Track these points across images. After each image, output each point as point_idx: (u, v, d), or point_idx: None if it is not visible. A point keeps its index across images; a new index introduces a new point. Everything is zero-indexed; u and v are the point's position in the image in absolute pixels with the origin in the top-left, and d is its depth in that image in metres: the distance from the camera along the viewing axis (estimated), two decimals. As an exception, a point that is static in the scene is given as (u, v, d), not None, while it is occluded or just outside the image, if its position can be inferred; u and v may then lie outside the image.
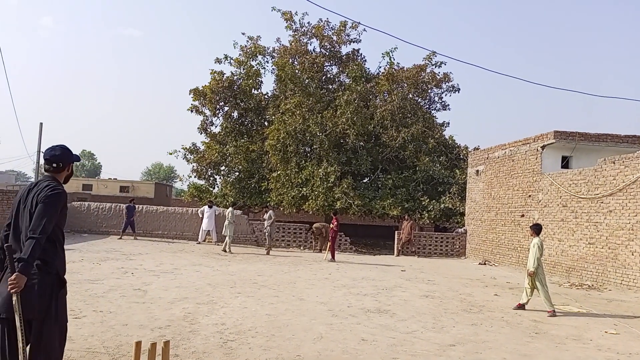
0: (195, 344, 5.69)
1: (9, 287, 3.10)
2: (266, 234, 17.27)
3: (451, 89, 26.21)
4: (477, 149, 21.75)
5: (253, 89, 26.11)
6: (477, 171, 19.39)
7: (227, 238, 16.79)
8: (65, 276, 3.49)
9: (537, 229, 9.20)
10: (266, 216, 17.51)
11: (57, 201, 3.32)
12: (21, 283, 3.11)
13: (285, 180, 22.38)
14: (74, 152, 3.63)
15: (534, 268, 8.80)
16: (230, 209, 17.50)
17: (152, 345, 2.95)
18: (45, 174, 3.56)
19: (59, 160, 3.52)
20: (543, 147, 15.27)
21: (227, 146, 24.93)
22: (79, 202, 21.13)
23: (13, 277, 3.10)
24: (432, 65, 25.53)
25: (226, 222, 16.93)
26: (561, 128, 15.04)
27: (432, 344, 6.28)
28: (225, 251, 16.42)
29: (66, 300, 3.51)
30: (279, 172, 22.63)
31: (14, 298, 3.12)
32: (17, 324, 3.10)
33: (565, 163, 15.56)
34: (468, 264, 17.47)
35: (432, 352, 5.94)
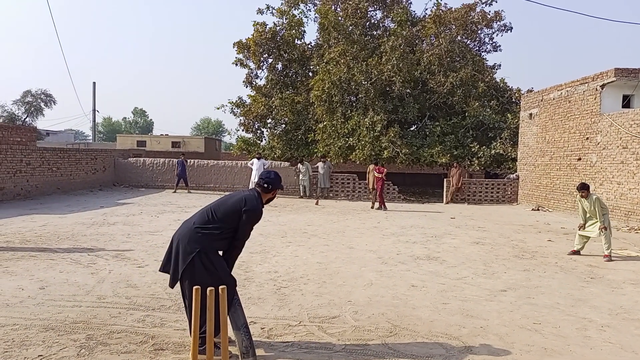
0: (251, 291, 5.95)
1: None
2: (311, 184, 18.99)
3: (503, 28, 24.79)
4: (531, 91, 20.78)
5: (296, 39, 25.70)
6: (531, 114, 18.64)
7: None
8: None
9: (587, 187, 8.72)
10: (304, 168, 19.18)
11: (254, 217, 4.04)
12: None
13: (332, 130, 22.30)
14: (278, 181, 4.24)
15: (606, 224, 8.48)
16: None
17: (210, 291, 3.12)
18: (256, 188, 4.23)
19: (270, 183, 4.18)
20: (602, 86, 14.42)
21: (273, 98, 24.94)
22: (135, 158, 21.97)
23: None
24: (482, 3, 24.16)
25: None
26: (623, 65, 14.12)
27: (483, 290, 6.30)
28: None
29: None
30: (325, 123, 22.54)
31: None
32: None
33: (627, 102, 14.68)
34: (520, 210, 17.12)
35: (482, 297, 5.97)
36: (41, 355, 3.89)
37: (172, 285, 4.02)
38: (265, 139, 27.08)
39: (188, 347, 4.06)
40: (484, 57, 25.09)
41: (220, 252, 4.05)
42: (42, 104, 51.10)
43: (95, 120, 49.30)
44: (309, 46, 26.54)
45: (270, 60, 26.09)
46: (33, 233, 9.34)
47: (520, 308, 5.56)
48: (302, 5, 26.31)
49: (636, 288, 6.62)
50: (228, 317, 3.64)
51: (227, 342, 3.28)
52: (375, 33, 25.52)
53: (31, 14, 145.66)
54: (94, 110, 47.42)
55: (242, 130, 27.26)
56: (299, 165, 19.49)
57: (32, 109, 50.49)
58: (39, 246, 8.13)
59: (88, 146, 40.65)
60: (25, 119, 49.88)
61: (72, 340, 4.22)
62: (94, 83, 48.15)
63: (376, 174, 16.13)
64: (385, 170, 16.30)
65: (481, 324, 4.99)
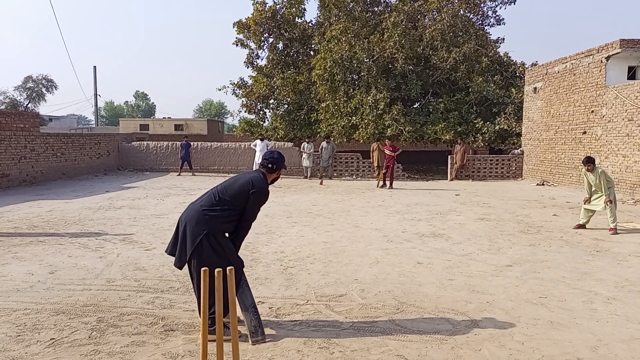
0: (258, 271, 6.00)
1: None
2: (324, 164, 18.52)
3: (506, 0, 24.48)
4: (535, 64, 20.53)
5: (297, 18, 25.38)
6: (535, 88, 18.46)
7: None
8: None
9: (593, 161, 8.66)
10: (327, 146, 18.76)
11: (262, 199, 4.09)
12: None
13: (335, 110, 22.18)
14: (282, 160, 4.26)
15: (612, 197, 8.45)
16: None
17: (217, 272, 3.14)
18: (261, 169, 4.23)
19: (274, 162, 4.20)
20: (608, 58, 14.24)
21: (274, 79, 24.76)
22: (138, 142, 21.97)
23: None
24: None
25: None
26: (628, 36, 13.90)
27: (489, 265, 6.32)
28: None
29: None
30: (327, 102, 22.41)
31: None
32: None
33: (632, 74, 14.51)
34: (525, 185, 17.09)
35: (488, 272, 6.00)
36: (53, 339, 3.95)
37: (179, 267, 4.05)
38: (267, 120, 27.00)
39: (198, 327, 4.11)
40: (487, 31, 24.79)
41: (227, 234, 4.07)
42: (43, 90, 51.00)
43: (97, 105, 49.24)
44: (310, 24, 26.23)
45: (271, 40, 25.84)
46: (40, 219, 9.41)
47: (526, 282, 5.59)
48: (302, -18, 25.91)
49: (642, 260, 6.63)
50: (236, 298, 3.67)
51: (236, 322, 3.31)
52: (376, 9, 25.18)
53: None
54: (96, 94, 47.30)
55: (245, 112, 27.18)
56: (304, 144, 19.38)
57: (34, 94, 50.41)
58: (47, 231, 8.20)
59: (91, 131, 40.62)
60: (27, 104, 49.84)
61: (83, 323, 4.28)
62: (95, 67, 48.00)
63: (387, 152, 15.68)
64: (399, 149, 15.97)
65: (487, 299, 5.02)
